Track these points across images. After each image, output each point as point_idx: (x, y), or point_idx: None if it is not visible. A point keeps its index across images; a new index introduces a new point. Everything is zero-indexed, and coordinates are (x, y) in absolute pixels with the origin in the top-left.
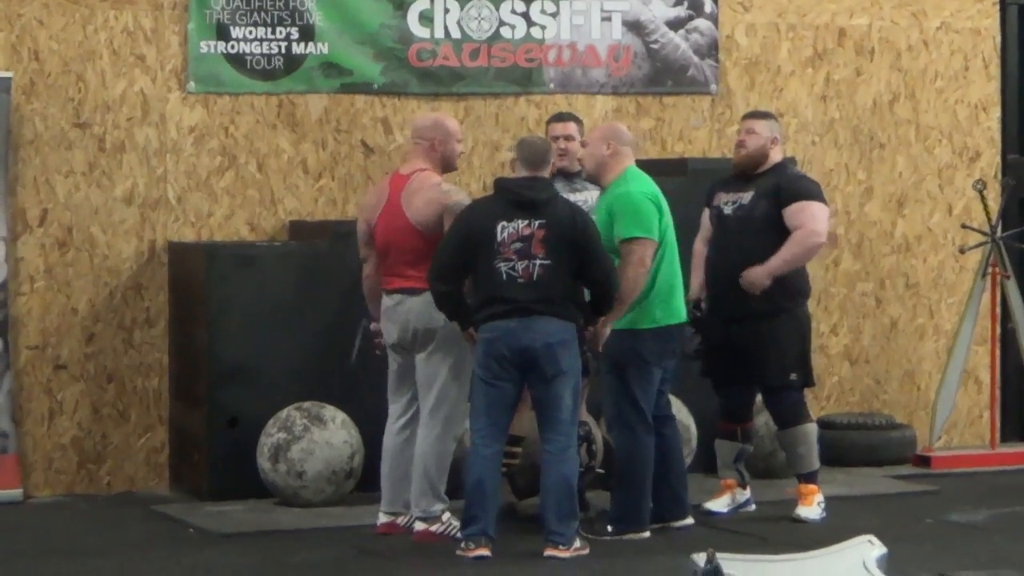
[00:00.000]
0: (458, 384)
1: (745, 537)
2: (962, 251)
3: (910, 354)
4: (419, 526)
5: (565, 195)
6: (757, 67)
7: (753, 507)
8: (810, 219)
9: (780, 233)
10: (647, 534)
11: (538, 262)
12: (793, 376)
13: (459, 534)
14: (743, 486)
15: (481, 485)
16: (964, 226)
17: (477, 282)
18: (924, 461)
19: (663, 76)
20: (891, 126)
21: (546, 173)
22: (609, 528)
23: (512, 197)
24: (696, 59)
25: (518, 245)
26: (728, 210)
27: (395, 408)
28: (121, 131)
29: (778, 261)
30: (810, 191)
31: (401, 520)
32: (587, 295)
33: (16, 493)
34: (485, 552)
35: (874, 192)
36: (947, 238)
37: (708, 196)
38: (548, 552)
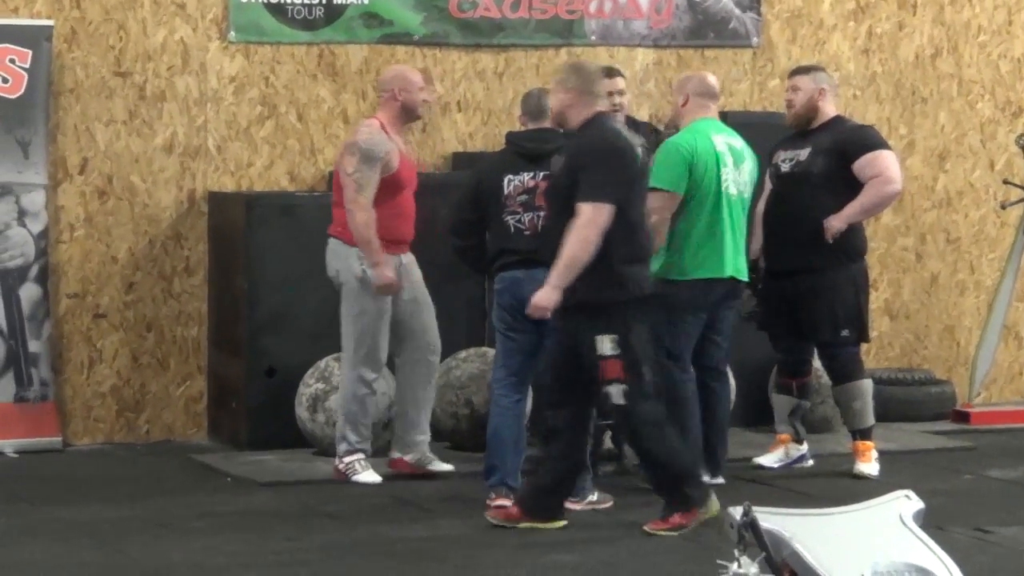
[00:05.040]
0: (355, 328)
1: (783, 492)
2: (1003, 207)
3: (950, 309)
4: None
5: None
6: (799, 20)
7: (811, 463)
8: (884, 168)
9: (837, 189)
10: None
11: (543, 214)
12: (845, 332)
13: (359, 478)
14: (799, 441)
15: (498, 435)
16: (1006, 182)
17: (490, 236)
18: (963, 417)
19: (705, 28)
20: (933, 80)
21: (548, 123)
22: None
23: (517, 150)
24: (738, 11)
25: (523, 197)
26: (786, 167)
27: None
28: (162, 80)
29: (855, 208)
30: (877, 140)
31: (409, 458)
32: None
33: (55, 441)
34: (504, 503)
35: (916, 146)
36: (988, 193)
37: (769, 156)
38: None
